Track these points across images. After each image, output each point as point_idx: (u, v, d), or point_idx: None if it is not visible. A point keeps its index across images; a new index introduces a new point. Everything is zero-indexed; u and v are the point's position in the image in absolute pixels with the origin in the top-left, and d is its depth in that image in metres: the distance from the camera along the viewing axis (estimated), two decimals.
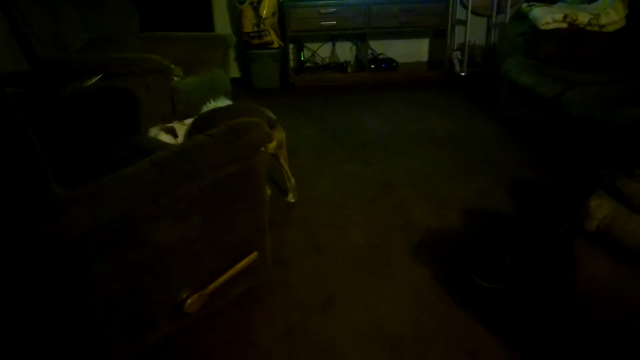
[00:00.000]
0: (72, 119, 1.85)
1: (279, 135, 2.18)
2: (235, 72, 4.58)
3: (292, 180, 2.41)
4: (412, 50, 4.80)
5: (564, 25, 3.01)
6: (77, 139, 1.83)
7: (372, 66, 4.47)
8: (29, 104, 1.84)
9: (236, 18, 4.23)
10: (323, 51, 4.66)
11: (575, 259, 1.14)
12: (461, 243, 2.10)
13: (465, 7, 4.44)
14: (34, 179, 1.14)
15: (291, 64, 4.48)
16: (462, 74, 4.49)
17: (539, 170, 2.73)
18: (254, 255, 1.62)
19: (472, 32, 4.49)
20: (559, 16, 3.00)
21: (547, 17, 2.99)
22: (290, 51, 4.43)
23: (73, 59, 2.74)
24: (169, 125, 2.52)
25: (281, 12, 4.15)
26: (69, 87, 2.23)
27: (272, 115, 2.22)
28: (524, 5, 3.24)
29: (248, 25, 4.07)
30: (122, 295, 1.34)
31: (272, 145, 2.05)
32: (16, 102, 1.54)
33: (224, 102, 2.77)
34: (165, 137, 2.44)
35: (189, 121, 2.64)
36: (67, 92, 2.16)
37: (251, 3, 4.02)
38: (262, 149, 1.55)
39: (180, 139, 2.43)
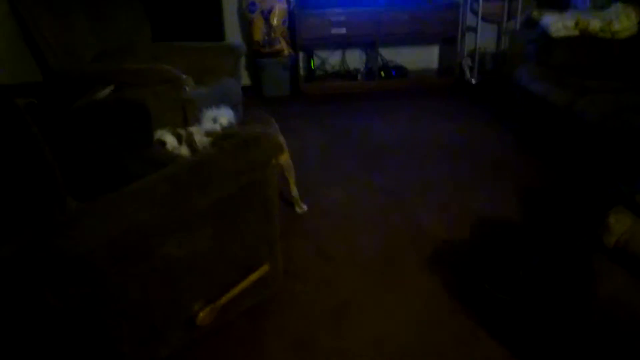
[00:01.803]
0: (84, 130, 1.86)
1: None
2: (245, 80, 4.59)
3: (295, 192, 2.40)
4: (422, 57, 4.80)
5: (576, 32, 2.99)
6: (89, 150, 1.84)
7: (382, 74, 4.47)
8: (42, 115, 1.86)
9: (246, 26, 4.25)
10: (333, 59, 4.67)
11: (593, 274, 1.12)
12: (473, 253, 2.09)
13: (475, 13, 4.43)
14: (48, 193, 1.15)
15: (301, 72, 4.49)
16: (473, 81, 4.48)
17: (551, 179, 2.71)
18: (265, 267, 1.62)
19: (482, 38, 4.47)
20: (571, 23, 2.99)
21: (558, 25, 2.98)
22: (301, 59, 4.44)
23: (85, 69, 2.77)
24: (178, 129, 2.54)
25: (291, 21, 4.17)
26: (82, 98, 2.25)
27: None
28: (535, 12, 3.23)
29: (258, 33, 4.09)
30: (133, 308, 1.35)
31: (284, 157, 2.05)
32: (30, 113, 1.57)
33: (226, 111, 2.80)
34: (170, 139, 2.45)
35: (194, 129, 2.67)
36: (79, 103, 2.18)
37: (262, 12, 4.04)
38: (273, 160, 1.56)
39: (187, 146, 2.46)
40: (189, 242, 1.41)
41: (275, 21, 4.03)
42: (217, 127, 2.78)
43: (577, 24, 2.98)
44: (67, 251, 1.13)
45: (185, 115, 2.81)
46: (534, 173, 2.79)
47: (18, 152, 1.08)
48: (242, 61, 4.15)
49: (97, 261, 1.21)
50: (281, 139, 2.20)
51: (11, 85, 2.61)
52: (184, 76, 2.73)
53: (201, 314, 1.49)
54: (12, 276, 1.13)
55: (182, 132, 2.57)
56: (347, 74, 4.59)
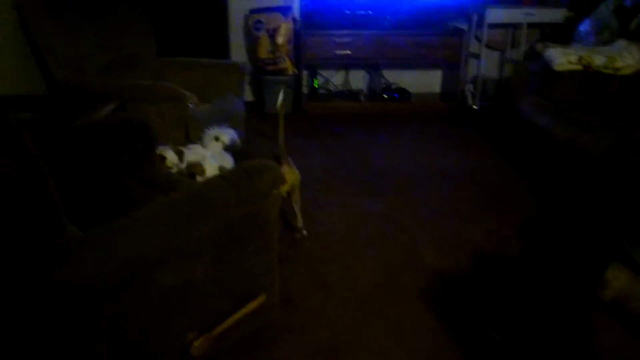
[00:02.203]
0: (86, 150, 1.86)
1: (293, 177, 2.18)
2: (248, 96, 4.61)
3: (301, 222, 2.39)
4: (425, 81, 4.83)
5: (579, 67, 3.02)
6: (90, 170, 1.84)
7: (385, 96, 4.49)
8: (44, 132, 1.86)
9: (252, 43, 4.28)
10: (337, 79, 4.69)
11: (591, 329, 1.12)
12: (470, 288, 2.08)
13: (479, 40, 4.46)
14: (48, 222, 1.14)
15: (304, 89, 4.51)
16: (474, 107, 4.50)
17: (552, 213, 2.71)
18: (262, 298, 1.61)
19: (485, 65, 4.50)
20: (574, 58, 3.01)
21: (561, 59, 3.00)
22: (304, 77, 4.46)
23: (90, 83, 2.77)
24: (179, 147, 2.55)
25: (297, 40, 4.19)
26: (84, 114, 2.25)
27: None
28: (539, 44, 3.26)
29: (263, 51, 4.11)
30: (128, 337, 1.33)
31: (284, 188, 2.05)
32: (32, 129, 1.56)
33: (228, 130, 2.80)
34: (170, 154, 2.46)
35: (193, 146, 2.68)
36: (82, 120, 2.18)
37: (267, 30, 4.06)
38: (275, 191, 1.55)
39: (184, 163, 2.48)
40: (185, 271, 1.39)
41: (280, 40, 4.06)
42: (219, 146, 2.79)
43: (580, 59, 3.00)
44: (64, 282, 1.12)
45: (187, 133, 2.81)
46: (534, 206, 2.79)
47: (20, 181, 1.07)
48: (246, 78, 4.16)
49: (93, 290, 1.20)
50: (293, 171, 2.20)
51: (16, 97, 2.62)
52: (188, 94, 2.74)
53: (195, 344, 1.47)
54: (8, 302, 1.12)
55: (184, 149, 2.58)
56: (350, 94, 4.61)
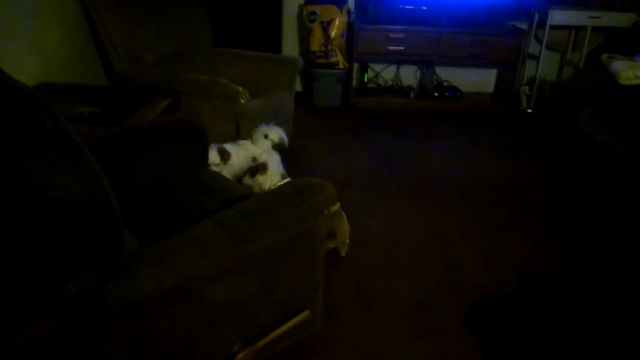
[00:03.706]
0: (141, 150, 1.91)
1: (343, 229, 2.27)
2: (297, 87, 4.61)
3: (347, 242, 2.36)
4: (478, 80, 4.69)
5: None
6: (145, 170, 1.89)
7: (436, 94, 4.40)
8: (100, 132, 1.91)
9: (304, 35, 4.25)
10: (387, 73, 4.62)
11: None
12: (517, 312, 2.04)
13: (539, 41, 4.29)
14: (109, 241, 1.18)
15: (353, 83, 4.47)
16: (529, 110, 4.36)
17: (606, 235, 2.61)
18: (306, 313, 1.63)
19: (543, 66, 4.33)
20: None
21: (628, 73, 2.86)
22: (354, 70, 4.42)
23: (148, 75, 2.83)
24: (224, 145, 2.60)
25: (350, 34, 4.14)
26: (141, 109, 2.30)
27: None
28: (604, 55, 3.11)
29: (315, 44, 4.09)
30: (175, 348, 1.38)
31: (334, 207, 2.03)
32: (90, 124, 1.59)
33: (276, 128, 2.82)
34: (213, 155, 2.50)
35: (244, 142, 2.72)
36: (139, 117, 2.23)
37: (321, 22, 4.02)
38: (325, 211, 1.56)
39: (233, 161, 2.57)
40: (234, 288, 1.43)
41: (333, 33, 4.02)
42: (268, 144, 2.82)
43: None
44: (121, 298, 1.17)
45: (238, 128, 2.84)
46: (588, 224, 2.70)
47: (86, 198, 1.11)
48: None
49: (147, 307, 1.24)
50: None
51: (79, 86, 2.71)
52: (241, 89, 2.76)
53: (239, 356, 1.51)
54: (72, 314, 1.18)
55: (230, 149, 2.62)
56: (399, 90, 4.54)
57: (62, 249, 1.13)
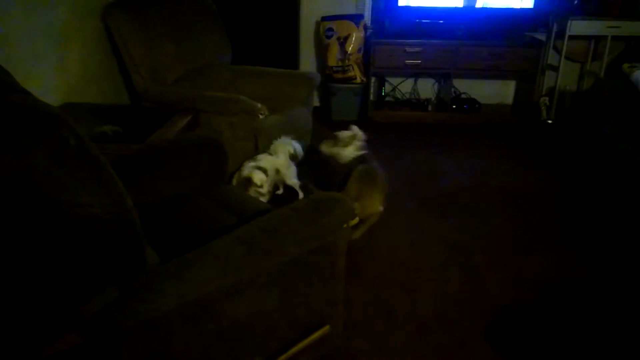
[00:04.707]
0: (163, 167, 1.94)
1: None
2: (315, 102, 4.64)
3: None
4: (496, 92, 4.67)
5: None
6: (166, 188, 1.92)
7: (454, 106, 4.38)
8: (122, 150, 1.95)
9: (321, 50, 4.29)
10: (404, 86, 4.63)
11: None
12: (540, 325, 2.00)
13: (558, 51, 4.26)
14: (132, 258, 1.20)
15: (371, 97, 4.48)
16: (549, 121, 4.31)
17: (628, 245, 2.55)
18: (326, 328, 1.63)
19: (563, 77, 4.29)
20: None
21: None
22: (372, 84, 4.43)
23: (168, 94, 2.88)
24: (259, 163, 2.66)
25: (367, 49, 4.17)
26: (162, 127, 2.35)
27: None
28: (625, 65, 3.07)
29: (332, 59, 4.12)
30: None
31: (353, 221, 2.04)
32: (113, 142, 1.61)
33: (293, 142, 2.87)
34: (257, 175, 2.57)
35: (262, 156, 2.79)
36: (159, 134, 2.28)
37: (338, 38, 4.06)
38: (345, 225, 1.56)
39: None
40: (255, 302, 1.43)
41: (350, 48, 4.05)
42: (285, 156, 2.87)
43: None
44: (143, 314, 1.18)
45: (256, 144, 2.87)
46: (609, 237, 2.64)
47: (109, 217, 1.13)
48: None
49: (169, 322, 1.25)
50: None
51: (101, 106, 2.77)
52: (259, 105, 2.79)
53: None
54: (94, 329, 1.19)
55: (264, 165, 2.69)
56: (417, 103, 4.54)
57: (86, 264, 1.15)
